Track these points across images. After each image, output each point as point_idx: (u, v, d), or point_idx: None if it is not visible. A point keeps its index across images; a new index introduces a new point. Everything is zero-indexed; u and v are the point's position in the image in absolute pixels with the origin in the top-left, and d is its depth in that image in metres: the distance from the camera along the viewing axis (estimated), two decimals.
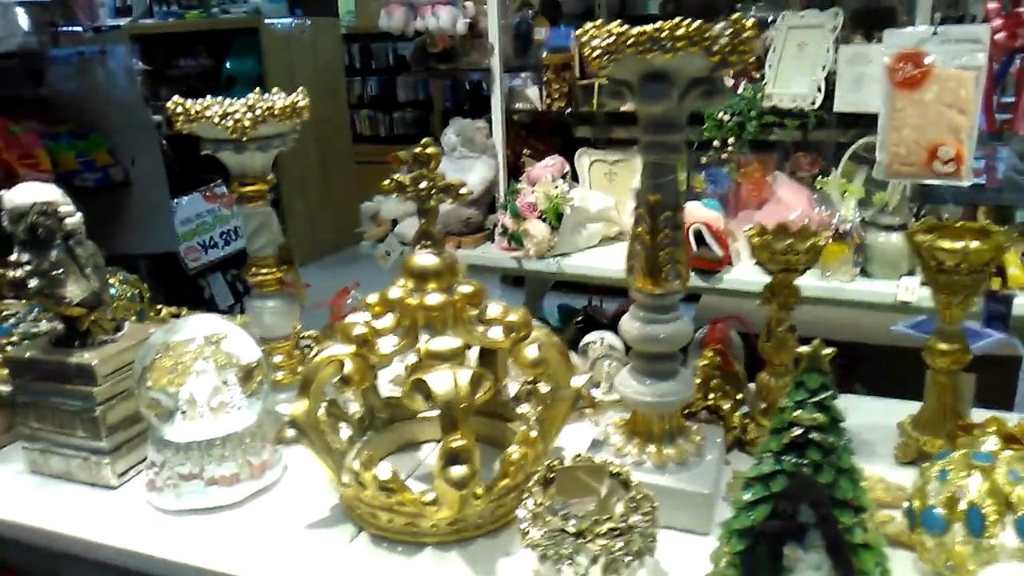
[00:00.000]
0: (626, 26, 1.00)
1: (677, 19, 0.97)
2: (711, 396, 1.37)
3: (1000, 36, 2.16)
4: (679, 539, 1.13)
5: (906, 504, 1.06)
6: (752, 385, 1.40)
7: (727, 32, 0.98)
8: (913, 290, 2.30)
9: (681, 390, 1.18)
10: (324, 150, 6.58)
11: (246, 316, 1.59)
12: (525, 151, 3.15)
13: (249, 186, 1.45)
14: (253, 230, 1.48)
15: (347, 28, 7.62)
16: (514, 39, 3.18)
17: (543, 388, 1.32)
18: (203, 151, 1.41)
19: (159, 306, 1.80)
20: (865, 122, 2.43)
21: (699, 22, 0.97)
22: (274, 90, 1.41)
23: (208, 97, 1.37)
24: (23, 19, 3.13)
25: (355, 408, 1.38)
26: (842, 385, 0.91)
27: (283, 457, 1.35)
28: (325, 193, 6.64)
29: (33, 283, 1.23)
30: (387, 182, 1.21)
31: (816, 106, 2.58)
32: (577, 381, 1.25)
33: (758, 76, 2.69)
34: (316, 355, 1.19)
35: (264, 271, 1.49)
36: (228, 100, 1.36)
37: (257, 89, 1.39)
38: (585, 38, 1.04)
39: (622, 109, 2.99)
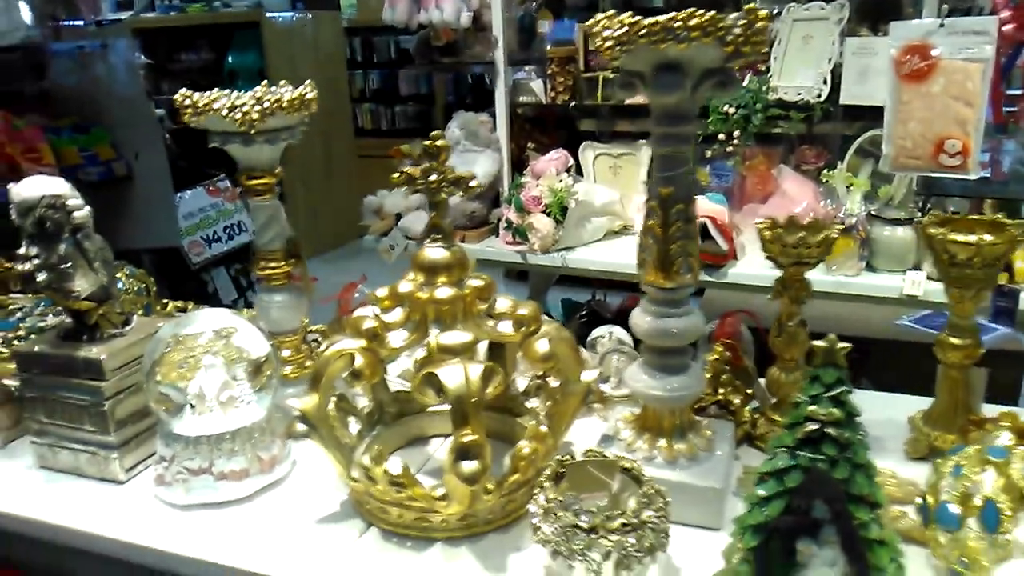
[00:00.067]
0: (638, 16, 0.99)
1: (690, 9, 0.96)
2: (721, 391, 1.36)
3: (1008, 28, 2.15)
4: (690, 534, 1.12)
5: (919, 500, 1.06)
6: (762, 380, 1.39)
7: (741, 22, 0.97)
8: (919, 284, 2.29)
9: (692, 384, 1.18)
10: (326, 144, 6.57)
11: (253, 310, 1.58)
12: (529, 145, 3.15)
13: (257, 179, 1.44)
14: (261, 224, 1.47)
15: (349, 21, 7.61)
16: (518, 32, 3.17)
17: (552, 383, 1.32)
18: (211, 144, 1.40)
19: (164, 300, 1.79)
20: (871, 115, 2.42)
21: (712, 12, 0.96)
22: (282, 83, 1.40)
23: (215, 90, 1.36)
24: (26, 13, 3.12)
25: (363, 402, 1.37)
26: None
27: (292, 452, 1.35)
28: (327, 187, 6.63)
29: (42, 277, 1.23)
30: (396, 175, 1.20)
31: (822, 99, 2.57)
32: (587, 376, 1.25)
33: (763, 69, 2.68)
34: (326, 349, 1.18)
35: (272, 265, 1.48)
36: (236, 93, 1.35)
37: (264, 82, 1.38)
38: (597, 29, 1.03)
39: (627, 102, 2.98)
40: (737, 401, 1.35)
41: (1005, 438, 1.07)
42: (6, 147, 2.95)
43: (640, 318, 1.17)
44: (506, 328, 1.21)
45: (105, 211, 1.33)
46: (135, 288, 1.69)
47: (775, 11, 2.73)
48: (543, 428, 1.20)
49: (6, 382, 1.46)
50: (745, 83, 2.68)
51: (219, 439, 1.23)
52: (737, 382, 1.38)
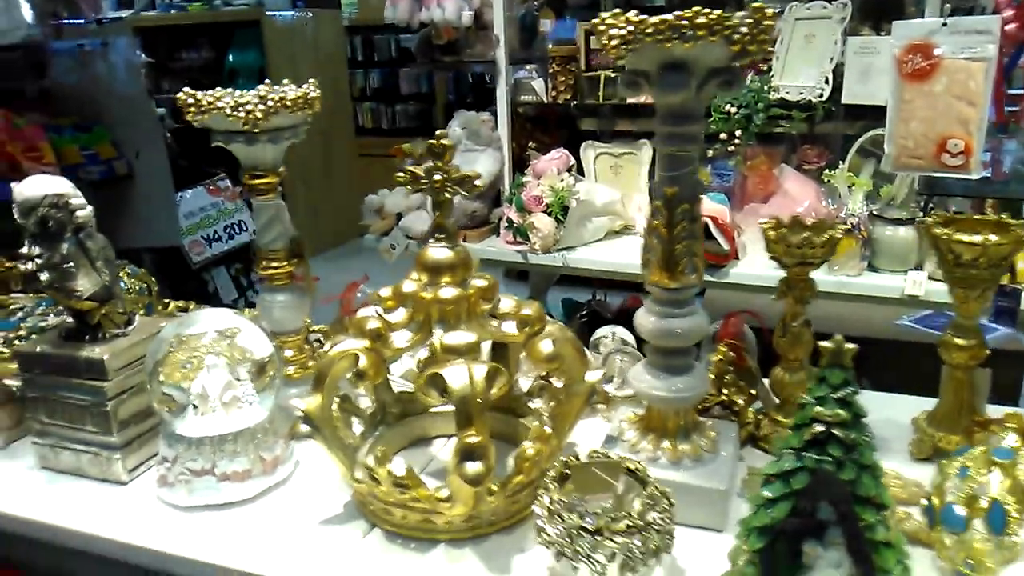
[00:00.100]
0: (644, 15, 0.99)
1: (696, 8, 0.95)
2: (725, 391, 1.36)
3: (1010, 27, 2.14)
4: (694, 536, 1.12)
5: (924, 501, 1.05)
6: (765, 380, 1.39)
7: (747, 21, 0.96)
8: (920, 284, 2.29)
9: (697, 385, 1.17)
10: (326, 143, 6.57)
11: (255, 310, 1.58)
12: (530, 144, 3.14)
13: (260, 178, 1.43)
14: (264, 223, 1.46)
15: (349, 20, 7.61)
16: (519, 31, 3.17)
17: (556, 383, 1.32)
18: (214, 143, 1.39)
19: (166, 300, 1.79)
20: (873, 114, 2.41)
21: (719, 11, 0.96)
22: (284, 81, 1.39)
23: (218, 89, 1.36)
24: (26, 11, 3.11)
25: (366, 403, 1.37)
26: None
27: (295, 452, 1.35)
28: (327, 186, 6.62)
29: (44, 276, 1.22)
30: (400, 175, 1.20)
31: (823, 98, 2.56)
32: (592, 376, 1.25)
33: (765, 68, 2.68)
34: (330, 350, 1.18)
35: (275, 264, 1.48)
36: (239, 92, 1.35)
37: (267, 81, 1.38)
38: (602, 27, 1.02)
39: (629, 101, 2.98)
40: (741, 402, 1.35)
41: (1011, 439, 1.07)
42: (7, 146, 2.95)
43: (644, 318, 1.16)
44: (510, 328, 1.21)
45: (106, 210, 1.33)
46: (137, 288, 1.69)
47: (777, 10, 2.72)
48: (547, 429, 1.19)
49: (7, 382, 1.45)
50: (747, 82, 2.68)
51: (222, 440, 1.23)
52: (741, 383, 1.37)
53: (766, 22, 0.97)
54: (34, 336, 1.51)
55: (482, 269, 1.26)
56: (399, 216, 3.03)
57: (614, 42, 1.01)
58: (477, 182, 1.20)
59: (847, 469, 0.86)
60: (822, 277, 2.31)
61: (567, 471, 1.06)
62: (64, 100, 3.38)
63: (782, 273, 1.29)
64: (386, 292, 1.21)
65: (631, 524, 0.94)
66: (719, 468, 1.17)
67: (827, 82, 2.56)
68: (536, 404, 1.35)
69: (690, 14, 0.95)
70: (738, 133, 2.65)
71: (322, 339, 1.62)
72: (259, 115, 1.31)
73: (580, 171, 2.95)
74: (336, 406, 1.24)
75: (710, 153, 2.75)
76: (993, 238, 1.16)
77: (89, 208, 1.26)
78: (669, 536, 0.98)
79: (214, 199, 4.00)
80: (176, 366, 1.23)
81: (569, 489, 1.03)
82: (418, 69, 7.35)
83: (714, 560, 1.03)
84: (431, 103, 7.88)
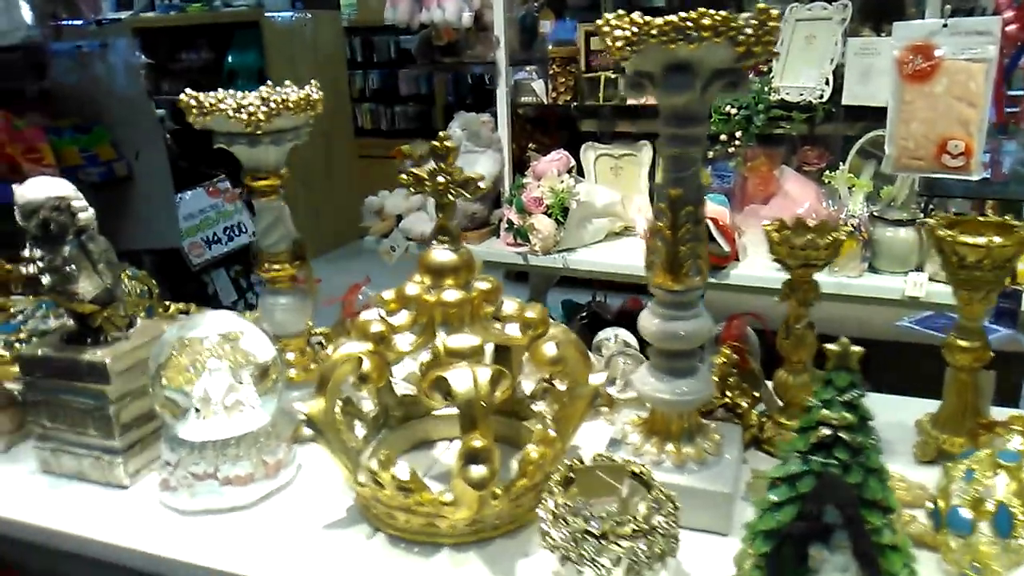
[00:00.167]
0: (648, 16, 0.99)
1: (701, 9, 0.95)
2: (728, 394, 1.35)
3: (1011, 28, 2.14)
4: (698, 539, 1.11)
5: (930, 504, 1.05)
6: (769, 383, 1.38)
7: (752, 22, 0.96)
8: (921, 285, 2.29)
9: (701, 388, 1.17)
10: (326, 144, 6.57)
11: (256, 313, 1.57)
12: (530, 145, 3.14)
13: (262, 180, 1.43)
14: (266, 225, 1.46)
15: (348, 21, 7.60)
16: (519, 32, 3.17)
17: (559, 386, 1.31)
18: (216, 145, 1.39)
19: (167, 303, 1.78)
20: (873, 115, 2.41)
21: (724, 12, 0.95)
22: (286, 83, 1.39)
23: (220, 90, 1.36)
24: (26, 12, 3.11)
25: (368, 406, 1.36)
26: None
27: (297, 456, 1.34)
28: (327, 187, 6.62)
29: (46, 279, 1.22)
30: (404, 176, 1.19)
31: (824, 99, 2.57)
32: (595, 379, 1.24)
33: (765, 69, 2.68)
34: (333, 353, 1.17)
35: (276, 267, 1.47)
36: (241, 93, 1.35)
37: (269, 82, 1.37)
38: (607, 29, 1.02)
39: (630, 102, 2.97)
40: (744, 404, 1.34)
41: (1017, 442, 1.06)
42: (7, 147, 2.94)
43: (649, 321, 1.16)
44: (514, 331, 1.20)
45: (106, 212, 1.32)
46: (137, 290, 1.68)
47: (778, 11, 2.72)
48: (552, 432, 1.19)
49: (8, 386, 1.45)
50: None
51: (224, 444, 1.22)
52: (744, 385, 1.37)
53: (771, 23, 0.97)
54: (35, 339, 1.51)
55: (482, 271, 1.25)
56: (399, 218, 3.03)
57: (618, 43, 1.01)
58: (480, 184, 1.20)
59: (854, 472, 0.85)
60: (822, 278, 2.26)
61: (571, 475, 1.05)
62: (64, 101, 3.37)
63: (783, 275, 1.29)
64: (389, 295, 1.21)
65: (637, 528, 0.94)
66: (723, 471, 1.17)
67: (827, 83, 2.56)
68: (539, 407, 1.35)
69: (695, 15, 0.95)
70: (738, 134, 2.65)
71: (324, 342, 1.61)
72: (262, 117, 1.30)
73: (580, 172, 2.95)
74: (339, 409, 1.23)
75: (710, 154, 2.75)
76: (997, 240, 1.16)
77: (91, 211, 1.25)
78: (674, 540, 0.97)
79: (213, 200, 3.99)
80: (178, 370, 1.23)
81: (574, 493, 1.03)
82: (417, 70, 7.35)
83: (719, 564, 1.03)
84: (430, 104, 7.88)
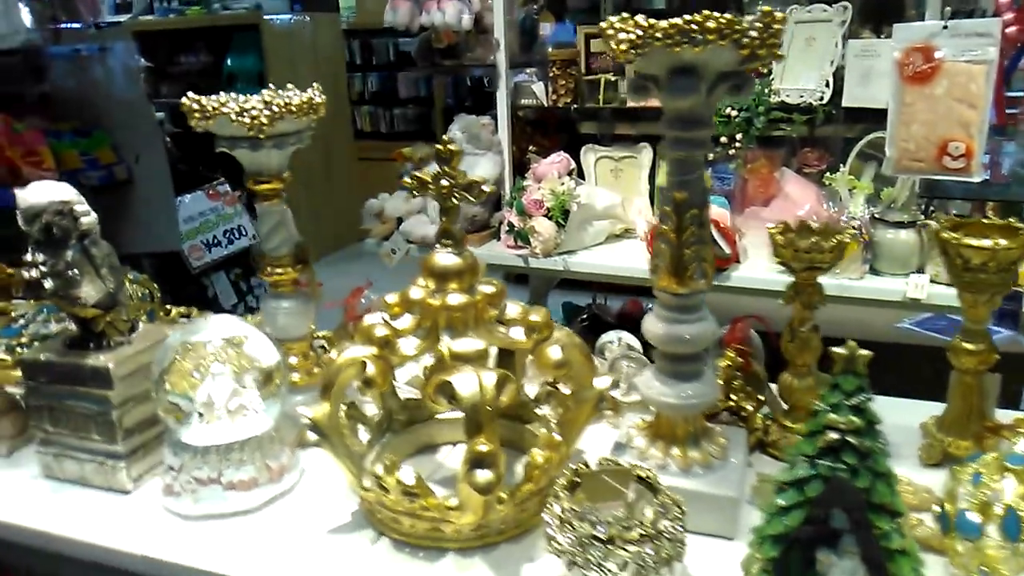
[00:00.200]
0: (653, 19, 0.98)
1: (706, 12, 0.95)
2: (733, 397, 1.35)
3: (1011, 30, 2.14)
4: (704, 543, 1.11)
5: (937, 507, 1.05)
6: (773, 386, 1.38)
7: (757, 25, 0.96)
8: (922, 287, 2.29)
9: (707, 392, 1.17)
10: (326, 146, 6.56)
11: (256, 316, 1.56)
12: (530, 148, 3.14)
13: (264, 184, 1.42)
14: (269, 229, 1.45)
15: (348, 24, 7.60)
16: (519, 35, 3.16)
17: (564, 389, 1.31)
18: (218, 149, 1.38)
19: (168, 306, 1.78)
20: (873, 117, 2.41)
21: (729, 15, 0.95)
22: (289, 86, 1.39)
23: (222, 94, 1.35)
24: (25, 16, 3.10)
25: (371, 410, 1.36)
26: None
27: (301, 460, 1.34)
28: (327, 190, 6.61)
29: (48, 284, 1.21)
30: (408, 180, 1.19)
31: (824, 101, 2.57)
32: (600, 383, 1.24)
33: (766, 71, 2.67)
34: (337, 357, 1.17)
35: (279, 271, 1.47)
36: (243, 97, 1.34)
37: (271, 85, 1.37)
38: (611, 32, 1.02)
39: (629, 105, 2.97)
40: (749, 408, 1.34)
41: (1023, 446, 1.06)
42: (6, 151, 2.94)
43: (653, 324, 1.16)
44: (518, 335, 1.20)
45: (106, 215, 1.32)
46: (139, 294, 1.68)
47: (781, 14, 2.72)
48: (556, 436, 1.18)
49: (10, 390, 1.44)
50: None
51: (228, 448, 1.22)
52: (748, 388, 1.37)
53: (776, 26, 0.97)
54: (37, 343, 1.50)
55: (485, 274, 1.25)
56: (399, 220, 3.03)
57: (623, 46, 1.01)
58: (484, 188, 1.19)
59: (861, 476, 0.85)
60: (824, 280, 2.30)
61: (577, 479, 1.05)
62: (63, 105, 3.37)
63: (784, 277, 1.29)
64: (393, 298, 1.20)
65: (643, 533, 0.94)
66: (729, 475, 1.16)
67: (828, 85, 2.56)
68: (543, 411, 1.35)
69: (700, 18, 0.94)
70: (739, 136, 2.65)
71: (327, 345, 1.61)
72: (264, 121, 1.29)
73: (580, 175, 2.95)
74: (343, 413, 1.23)
75: (711, 156, 2.75)
76: (1002, 242, 1.15)
77: (93, 215, 1.25)
78: (681, 544, 0.97)
79: (213, 203, 3.99)
80: (182, 374, 1.22)
81: (580, 497, 1.02)
82: (417, 73, 7.34)
83: (725, 568, 1.03)
84: (430, 107, 7.87)
